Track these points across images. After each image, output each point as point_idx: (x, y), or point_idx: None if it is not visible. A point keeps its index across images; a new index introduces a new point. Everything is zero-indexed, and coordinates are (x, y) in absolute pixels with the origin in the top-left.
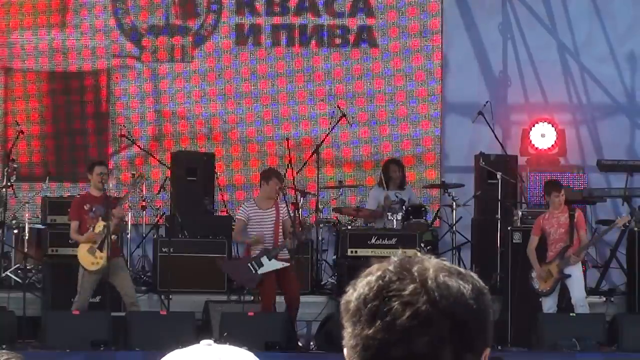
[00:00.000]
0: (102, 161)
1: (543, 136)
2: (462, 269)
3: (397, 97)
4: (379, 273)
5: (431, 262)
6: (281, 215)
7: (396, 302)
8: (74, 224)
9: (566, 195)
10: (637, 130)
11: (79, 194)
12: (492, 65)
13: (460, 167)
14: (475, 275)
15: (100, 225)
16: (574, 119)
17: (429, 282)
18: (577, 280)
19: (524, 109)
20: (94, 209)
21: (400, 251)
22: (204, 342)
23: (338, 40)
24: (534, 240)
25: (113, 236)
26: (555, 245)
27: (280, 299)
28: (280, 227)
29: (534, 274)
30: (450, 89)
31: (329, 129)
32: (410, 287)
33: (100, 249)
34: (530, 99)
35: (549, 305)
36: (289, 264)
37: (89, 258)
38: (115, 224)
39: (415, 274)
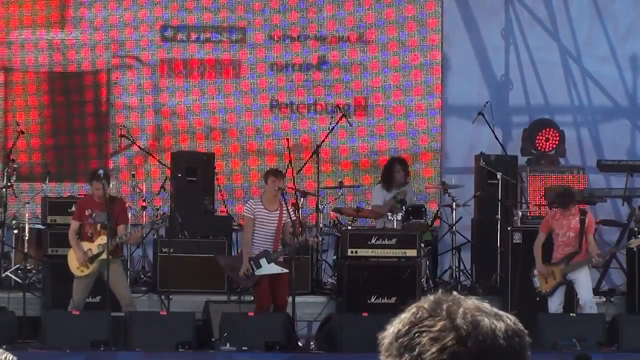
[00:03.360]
0: (98, 175)
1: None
2: (501, 311)
3: (395, 95)
4: (413, 310)
5: (466, 301)
6: (284, 218)
7: (425, 338)
8: (75, 224)
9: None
10: (637, 132)
11: (82, 194)
12: (493, 66)
13: (460, 167)
14: (513, 318)
15: (97, 243)
16: (575, 121)
17: (459, 319)
18: (583, 283)
19: (525, 111)
20: (94, 215)
21: (439, 291)
22: None
23: (337, 39)
24: (541, 237)
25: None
26: (562, 249)
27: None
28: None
29: (535, 271)
30: (451, 89)
31: (328, 128)
32: (440, 323)
33: (92, 261)
34: (531, 101)
35: (555, 307)
36: (287, 271)
37: (77, 264)
38: (114, 242)
39: (447, 311)
